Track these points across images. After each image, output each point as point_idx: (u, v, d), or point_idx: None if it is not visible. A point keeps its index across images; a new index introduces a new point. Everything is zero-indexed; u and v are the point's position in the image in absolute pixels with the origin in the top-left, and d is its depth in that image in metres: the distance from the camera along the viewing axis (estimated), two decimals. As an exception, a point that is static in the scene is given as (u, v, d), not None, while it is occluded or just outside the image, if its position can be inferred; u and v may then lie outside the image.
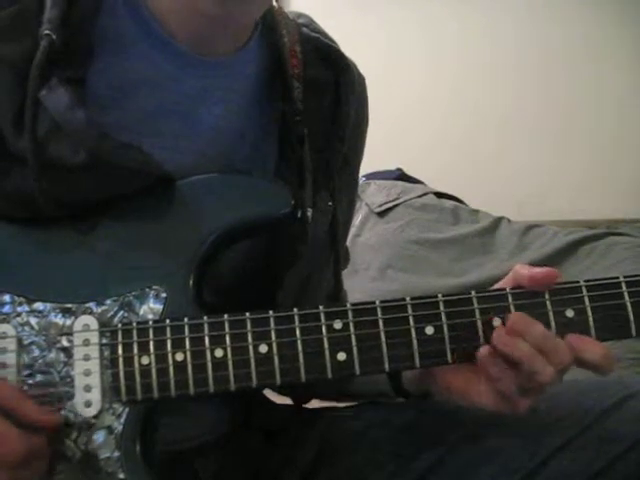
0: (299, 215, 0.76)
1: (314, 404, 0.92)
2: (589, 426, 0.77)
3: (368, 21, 2.75)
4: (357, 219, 2.29)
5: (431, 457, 0.81)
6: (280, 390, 0.87)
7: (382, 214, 2.32)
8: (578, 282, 0.69)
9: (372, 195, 2.38)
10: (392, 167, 2.57)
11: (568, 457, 0.77)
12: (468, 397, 0.71)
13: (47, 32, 0.67)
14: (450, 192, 2.44)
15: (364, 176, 2.43)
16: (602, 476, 0.75)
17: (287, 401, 0.91)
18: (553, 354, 0.66)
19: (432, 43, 2.76)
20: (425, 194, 2.38)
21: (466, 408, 0.78)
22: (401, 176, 2.53)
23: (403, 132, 2.69)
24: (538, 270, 0.69)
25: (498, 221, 2.27)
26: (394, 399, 0.86)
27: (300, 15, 0.89)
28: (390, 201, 2.34)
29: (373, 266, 2.14)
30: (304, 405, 0.91)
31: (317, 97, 0.83)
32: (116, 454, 0.66)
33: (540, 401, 0.72)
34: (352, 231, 2.17)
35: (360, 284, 2.04)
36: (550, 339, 0.67)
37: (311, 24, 0.88)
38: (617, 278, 0.69)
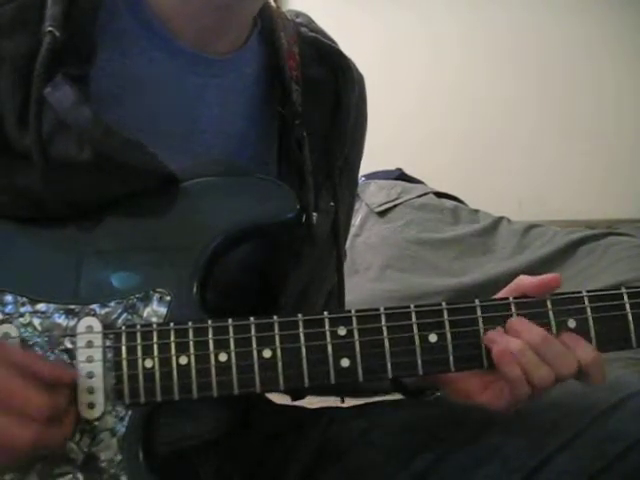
0: (304, 219, 0.76)
1: (314, 404, 0.92)
2: (589, 426, 0.76)
3: (367, 19, 2.75)
4: (357, 219, 2.29)
5: (431, 457, 0.80)
6: None
7: (382, 214, 2.32)
8: (580, 292, 0.69)
9: (372, 195, 2.38)
10: (392, 167, 2.57)
11: (568, 457, 0.76)
12: (474, 398, 0.72)
13: (50, 29, 0.66)
14: (450, 192, 2.45)
15: (364, 176, 2.43)
16: (602, 476, 0.75)
17: (287, 401, 0.91)
18: (555, 358, 0.67)
19: (432, 42, 2.76)
20: (425, 194, 2.39)
21: (465, 408, 0.78)
22: (401, 176, 2.54)
23: (403, 132, 2.69)
24: (543, 277, 0.70)
25: (498, 221, 2.28)
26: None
27: (298, 14, 0.88)
28: (390, 201, 2.34)
29: (373, 266, 2.14)
30: (300, 401, 0.91)
31: (316, 97, 0.83)
32: (119, 456, 0.66)
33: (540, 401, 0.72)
34: (352, 231, 2.17)
35: (360, 284, 2.04)
36: (552, 342, 0.67)
37: (310, 23, 0.88)
38: (619, 289, 0.69)
